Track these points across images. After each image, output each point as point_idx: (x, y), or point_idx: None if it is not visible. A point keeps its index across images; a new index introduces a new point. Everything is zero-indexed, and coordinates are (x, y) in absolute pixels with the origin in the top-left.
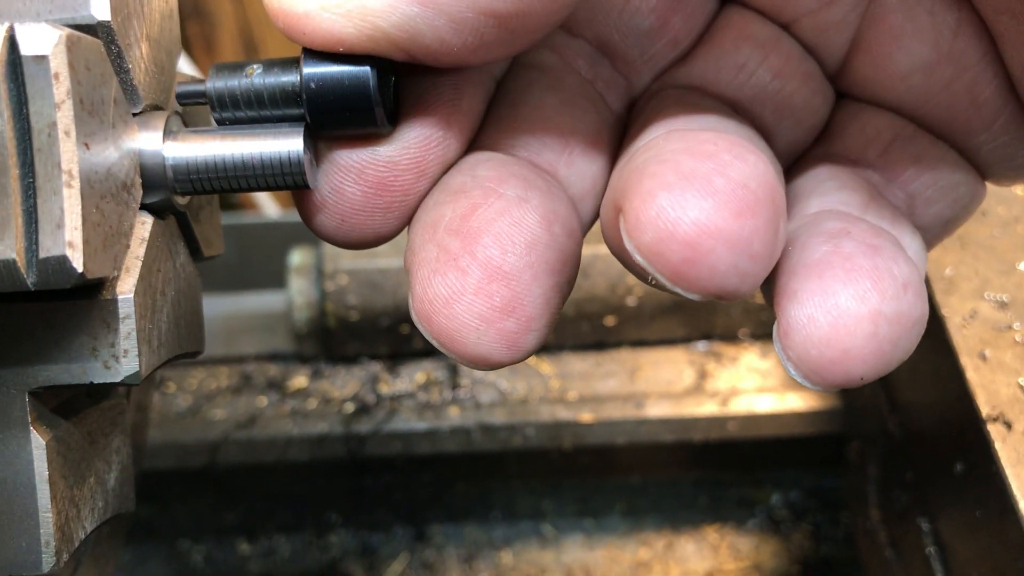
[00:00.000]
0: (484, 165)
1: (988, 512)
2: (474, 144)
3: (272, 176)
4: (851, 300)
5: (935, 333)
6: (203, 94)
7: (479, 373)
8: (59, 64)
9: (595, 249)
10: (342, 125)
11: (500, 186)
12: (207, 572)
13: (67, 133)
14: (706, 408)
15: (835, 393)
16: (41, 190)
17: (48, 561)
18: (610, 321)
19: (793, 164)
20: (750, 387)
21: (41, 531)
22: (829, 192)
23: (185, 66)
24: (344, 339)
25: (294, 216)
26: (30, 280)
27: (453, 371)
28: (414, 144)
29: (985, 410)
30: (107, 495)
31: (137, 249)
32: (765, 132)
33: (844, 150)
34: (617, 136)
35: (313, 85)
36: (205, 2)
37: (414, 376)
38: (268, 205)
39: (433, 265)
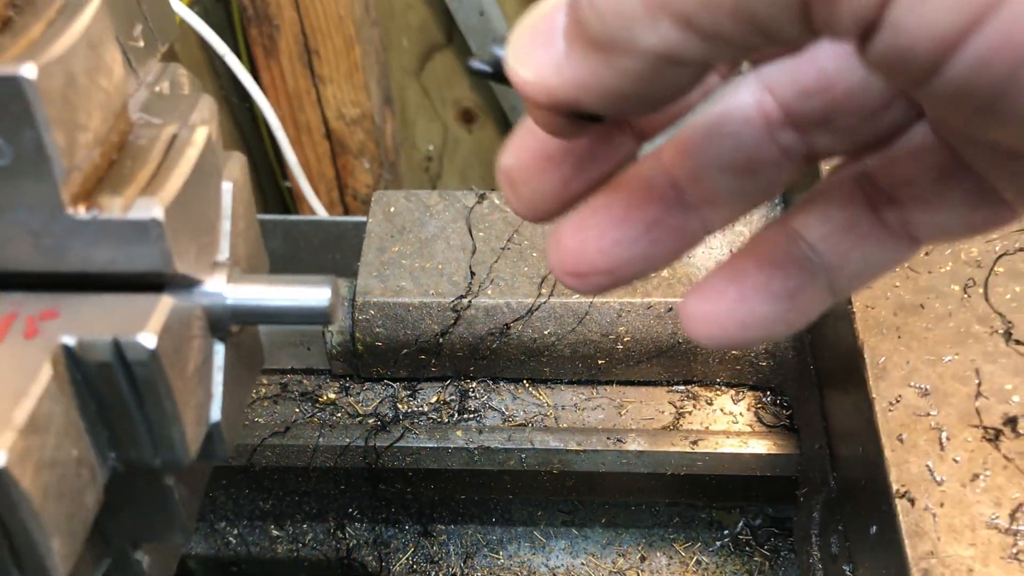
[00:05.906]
0: None
1: (891, 575)
2: None
3: (301, 318)
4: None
5: (867, 415)
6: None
7: (485, 396)
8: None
9: (589, 300)
10: None
11: None
12: (240, 550)
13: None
14: (679, 446)
15: (792, 441)
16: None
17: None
18: (601, 362)
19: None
20: (719, 429)
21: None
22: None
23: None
24: (370, 362)
25: (339, 217)
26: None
27: (463, 395)
28: None
29: (895, 486)
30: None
31: (217, 378)
32: None
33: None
34: None
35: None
36: (269, 9)
37: (429, 397)
38: (319, 208)
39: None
